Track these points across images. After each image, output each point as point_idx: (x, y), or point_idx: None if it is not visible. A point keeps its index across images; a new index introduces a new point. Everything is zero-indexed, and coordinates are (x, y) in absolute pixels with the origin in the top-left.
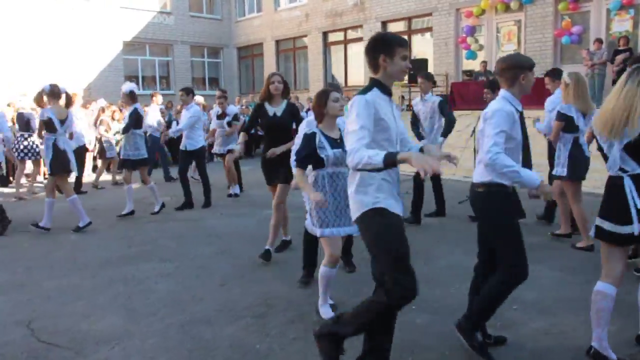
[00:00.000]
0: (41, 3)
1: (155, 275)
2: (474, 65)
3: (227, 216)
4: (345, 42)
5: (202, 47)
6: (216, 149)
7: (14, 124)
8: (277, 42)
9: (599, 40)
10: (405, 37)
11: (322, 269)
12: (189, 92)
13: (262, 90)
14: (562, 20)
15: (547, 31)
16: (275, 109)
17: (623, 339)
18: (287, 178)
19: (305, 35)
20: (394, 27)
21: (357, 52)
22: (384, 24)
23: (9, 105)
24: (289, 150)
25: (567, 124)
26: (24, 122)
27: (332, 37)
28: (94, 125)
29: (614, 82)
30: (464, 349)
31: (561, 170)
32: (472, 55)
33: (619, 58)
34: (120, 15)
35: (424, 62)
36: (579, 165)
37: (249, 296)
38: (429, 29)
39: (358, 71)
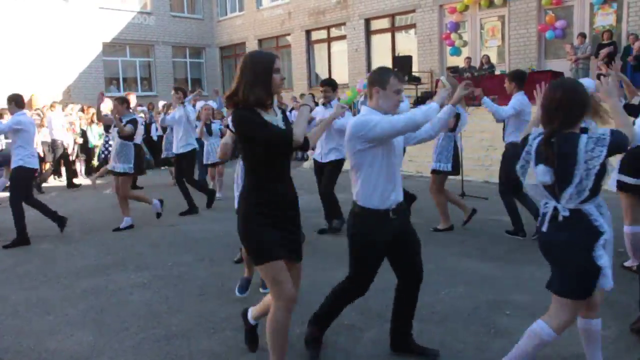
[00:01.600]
0: (19, 5)
1: (129, 285)
2: (459, 62)
3: (206, 221)
4: (329, 40)
5: (184, 47)
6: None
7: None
8: (260, 41)
9: (582, 35)
10: (389, 34)
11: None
12: (11, 101)
13: (256, 86)
14: (546, 15)
15: (530, 26)
16: (275, 118)
17: (624, 345)
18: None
19: (289, 34)
20: (377, 25)
21: (341, 50)
22: (367, 21)
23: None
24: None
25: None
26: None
27: (315, 36)
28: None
29: (598, 76)
30: None
31: (444, 165)
32: (457, 52)
33: (603, 52)
34: (99, 16)
35: (408, 59)
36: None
37: (228, 307)
38: (413, 26)
39: (342, 69)
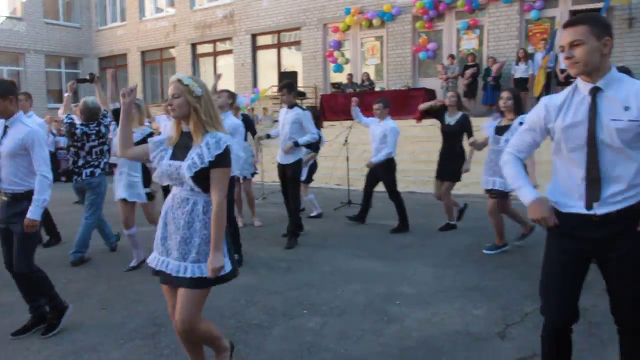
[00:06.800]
0: None
1: (25, 305)
2: (341, 78)
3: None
4: (215, 54)
5: (59, 56)
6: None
7: None
8: (143, 52)
9: (451, 56)
10: (275, 50)
11: None
12: None
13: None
14: (419, 37)
15: (406, 47)
16: (450, 119)
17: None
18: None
19: (173, 47)
20: (263, 40)
21: (227, 64)
22: (254, 36)
23: None
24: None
25: None
26: None
27: (200, 49)
28: None
29: (465, 94)
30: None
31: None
32: (339, 69)
33: (468, 72)
34: None
35: (293, 75)
36: None
37: (135, 318)
38: (298, 43)
39: (227, 83)
